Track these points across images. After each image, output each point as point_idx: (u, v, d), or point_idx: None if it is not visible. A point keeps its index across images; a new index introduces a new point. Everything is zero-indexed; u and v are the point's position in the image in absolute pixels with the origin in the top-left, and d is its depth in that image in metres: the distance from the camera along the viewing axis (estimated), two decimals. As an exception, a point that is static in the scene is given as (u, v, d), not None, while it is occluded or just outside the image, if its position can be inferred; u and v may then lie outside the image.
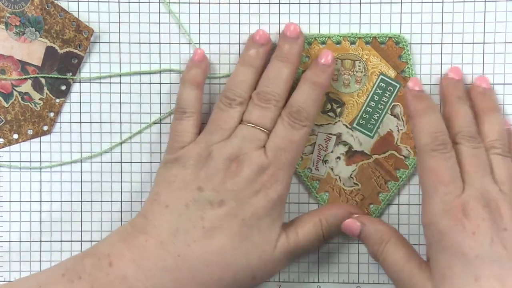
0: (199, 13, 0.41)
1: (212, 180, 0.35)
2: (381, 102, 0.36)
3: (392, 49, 0.37)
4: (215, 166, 0.35)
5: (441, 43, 0.40)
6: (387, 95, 0.35)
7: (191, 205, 0.34)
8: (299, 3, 0.40)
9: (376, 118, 0.36)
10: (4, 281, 0.42)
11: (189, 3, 0.41)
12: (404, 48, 0.36)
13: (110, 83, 0.41)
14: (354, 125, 0.37)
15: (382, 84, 0.36)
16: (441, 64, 0.40)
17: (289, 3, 0.40)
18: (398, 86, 0.36)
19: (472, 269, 0.31)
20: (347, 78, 0.37)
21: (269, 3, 0.41)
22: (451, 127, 0.35)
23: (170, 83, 0.41)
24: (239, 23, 0.41)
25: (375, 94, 0.36)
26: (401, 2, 0.40)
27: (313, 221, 0.37)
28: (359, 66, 0.37)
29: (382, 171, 0.39)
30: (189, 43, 0.41)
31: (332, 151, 0.38)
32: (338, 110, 0.38)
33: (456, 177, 0.33)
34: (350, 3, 0.40)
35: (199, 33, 0.41)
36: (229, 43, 0.41)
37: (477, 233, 0.31)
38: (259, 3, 0.41)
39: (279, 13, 0.41)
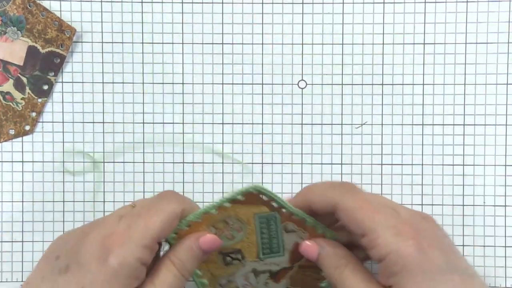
0: (182, 12, 0.41)
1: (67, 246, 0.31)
2: (271, 231, 0.35)
3: (253, 196, 0.34)
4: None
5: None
6: (272, 224, 0.34)
7: (46, 276, 0.30)
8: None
9: (276, 242, 0.35)
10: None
11: (172, 2, 0.41)
12: (263, 192, 0.33)
13: (92, 82, 0.41)
14: (261, 256, 0.35)
15: (263, 220, 0.34)
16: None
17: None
18: (277, 217, 0.34)
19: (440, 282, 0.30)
20: (227, 234, 0.35)
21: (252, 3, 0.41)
22: None
23: (153, 83, 0.41)
24: (222, 23, 0.41)
25: (261, 230, 0.35)
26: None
27: (165, 264, 0.33)
28: (232, 221, 0.35)
29: (310, 269, 0.37)
30: (172, 43, 0.41)
31: (258, 283, 0.37)
32: (239, 255, 0.36)
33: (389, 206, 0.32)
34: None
35: (182, 33, 0.41)
36: (212, 43, 0.41)
37: (430, 245, 0.30)
38: (242, 3, 0.41)
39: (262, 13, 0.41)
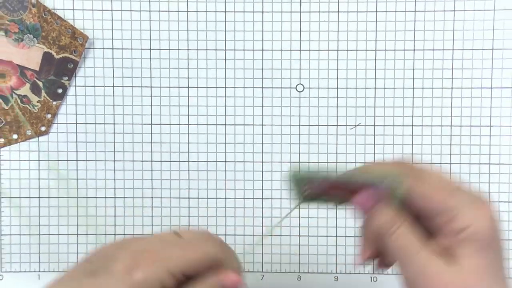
0: (187, 20, 0.44)
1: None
2: None
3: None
4: None
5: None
6: None
7: (74, 276, 0.31)
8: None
9: None
10: (6, 271, 0.44)
11: (178, 11, 0.44)
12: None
13: (103, 86, 0.44)
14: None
15: None
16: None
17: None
18: None
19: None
20: None
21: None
22: None
23: (160, 87, 0.44)
24: (225, 30, 0.44)
25: None
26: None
27: None
28: None
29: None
30: (178, 49, 0.44)
31: None
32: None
33: None
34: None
35: (187, 40, 0.44)
36: (215, 49, 0.44)
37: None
38: (243, 12, 0.43)
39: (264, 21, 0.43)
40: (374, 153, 0.44)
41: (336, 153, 0.44)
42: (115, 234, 0.45)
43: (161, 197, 0.45)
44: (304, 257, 0.45)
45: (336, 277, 0.45)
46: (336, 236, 0.45)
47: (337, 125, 0.44)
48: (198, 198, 0.45)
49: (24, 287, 0.45)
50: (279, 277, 0.45)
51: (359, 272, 0.45)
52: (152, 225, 0.45)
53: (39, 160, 0.44)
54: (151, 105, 0.44)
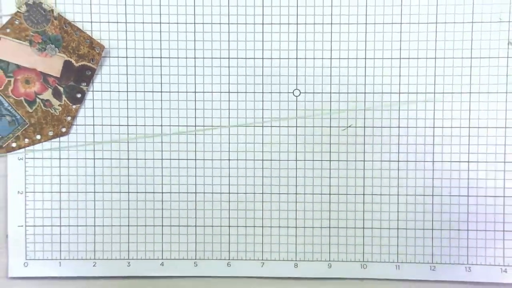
0: (194, 31, 0.48)
1: None
2: None
3: None
4: None
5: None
6: None
7: None
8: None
9: None
10: (31, 259, 0.49)
11: (186, 23, 0.48)
12: None
13: (118, 91, 0.48)
14: None
15: None
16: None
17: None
18: None
19: None
20: None
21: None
22: None
23: (170, 92, 0.48)
24: (229, 40, 0.48)
25: None
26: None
27: None
28: None
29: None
30: (186, 58, 0.48)
31: None
32: None
33: None
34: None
35: (194, 49, 0.48)
36: (220, 58, 0.48)
37: None
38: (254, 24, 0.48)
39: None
40: (364, 152, 0.49)
41: (330, 152, 0.49)
42: (128, 226, 0.49)
43: (170, 192, 0.49)
44: (300, 246, 0.50)
45: (329, 265, 0.49)
46: (330, 227, 0.49)
47: (330, 127, 0.49)
48: (204, 193, 0.49)
49: (47, 273, 0.49)
50: (278, 264, 0.50)
51: (351, 260, 0.49)
52: (162, 217, 0.49)
53: (60, 159, 0.49)
54: (161, 108, 0.49)
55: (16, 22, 0.47)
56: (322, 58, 0.48)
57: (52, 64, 0.48)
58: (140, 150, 0.49)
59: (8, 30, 0.47)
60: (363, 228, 0.49)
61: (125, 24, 0.48)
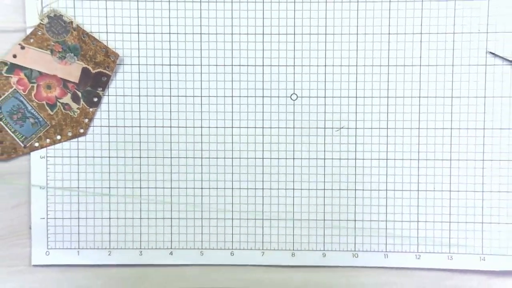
0: (200, 41, 0.53)
1: None
2: None
3: None
4: None
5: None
6: None
7: None
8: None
9: None
10: (52, 248, 0.54)
11: (193, 33, 0.53)
12: None
13: (131, 95, 0.53)
14: None
15: None
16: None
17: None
18: None
19: None
20: None
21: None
22: None
23: (178, 96, 0.53)
24: (232, 49, 0.53)
25: None
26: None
27: None
28: None
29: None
30: (193, 65, 0.53)
31: None
32: None
33: None
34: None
35: (201, 57, 0.53)
36: (224, 65, 0.53)
37: None
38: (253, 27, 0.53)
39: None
40: (355, 151, 0.53)
41: (324, 151, 0.53)
42: (140, 218, 0.54)
43: (178, 187, 0.54)
44: (297, 237, 0.54)
45: (324, 254, 0.54)
46: (324, 219, 0.54)
47: (324, 128, 0.53)
48: (209, 188, 0.54)
49: (66, 261, 0.54)
50: (276, 253, 0.54)
51: (343, 249, 0.54)
52: (171, 210, 0.54)
53: (78, 157, 0.54)
54: (170, 111, 0.53)
55: (39, 33, 0.52)
56: (317, 66, 0.53)
57: (71, 71, 0.52)
58: (151, 149, 0.54)
59: (31, 40, 0.52)
60: (355, 220, 0.54)
61: (138, 35, 0.53)
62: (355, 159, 0.53)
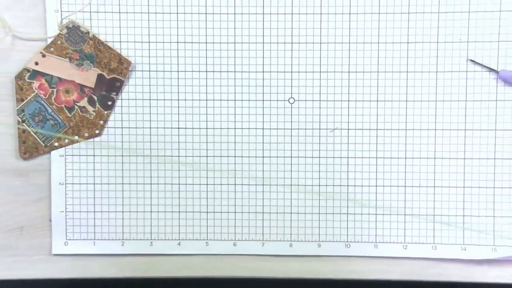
0: (206, 49, 0.58)
1: None
2: None
3: None
4: None
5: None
6: None
7: None
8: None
9: None
10: (70, 239, 0.59)
11: (199, 43, 0.57)
12: None
13: (142, 99, 0.58)
14: None
15: None
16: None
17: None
18: None
19: None
20: None
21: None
22: None
23: (185, 99, 0.58)
24: (234, 57, 0.58)
25: None
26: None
27: None
28: None
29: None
30: (199, 71, 0.58)
31: None
32: None
33: None
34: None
35: (206, 64, 0.58)
36: (227, 71, 0.58)
37: None
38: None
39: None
40: (347, 150, 0.58)
41: (319, 150, 0.58)
42: (151, 211, 0.59)
43: (186, 184, 0.59)
44: (294, 229, 0.59)
45: (319, 244, 0.59)
46: (319, 213, 0.59)
47: (319, 129, 0.58)
48: (214, 184, 0.59)
49: (83, 251, 0.59)
50: (276, 244, 0.59)
51: (338, 240, 0.59)
52: (179, 204, 0.59)
53: (94, 155, 0.58)
54: (178, 114, 0.58)
55: (58, 42, 0.56)
56: (313, 72, 0.57)
57: (88, 77, 0.57)
58: (160, 149, 0.58)
59: (52, 49, 0.56)
60: (347, 213, 0.59)
61: (148, 44, 0.58)
62: (348, 157, 0.58)
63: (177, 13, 0.57)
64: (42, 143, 0.57)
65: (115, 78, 0.57)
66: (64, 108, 0.57)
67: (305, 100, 0.58)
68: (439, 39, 0.57)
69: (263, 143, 0.58)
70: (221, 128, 0.58)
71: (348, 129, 0.58)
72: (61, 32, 0.56)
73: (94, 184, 0.58)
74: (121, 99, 0.58)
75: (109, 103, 0.57)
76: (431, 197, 0.58)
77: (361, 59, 0.57)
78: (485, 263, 0.58)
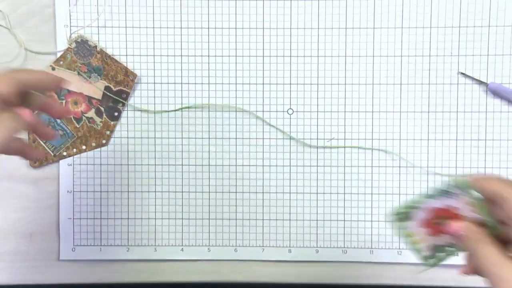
0: (208, 62, 0.60)
1: None
2: None
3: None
4: None
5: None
6: None
7: None
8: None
9: None
10: (77, 245, 0.61)
11: (201, 56, 0.60)
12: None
13: (147, 110, 0.61)
14: None
15: None
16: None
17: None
18: None
19: None
20: None
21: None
22: None
23: (188, 110, 0.60)
24: (236, 69, 0.60)
25: None
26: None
27: None
28: None
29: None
30: (202, 83, 0.60)
31: None
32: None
33: None
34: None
35: (209, 76, 0.60)
36: (229, 83, 0.60)
37: None
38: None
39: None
40: (344, 159, 0.60)
41: (317, 159, 0.61)
42: (155, 219, 0.61)
43: (188, 191, 0.61)
44: (293, 235, 0.61)
45: (317, 250, 0.61)
46: (317, 220, 0.61)
47: (317, 139, 0.61)
48: (216, 192, 0.61)
49: (90, 257, 0.61)
50: (275, 250, 0.61)
51: (333, 246, 0.61)
52: (182, 211, 0.61)
53: (100, 165, 0.61)
54: (181, 124, 0.61)
55: (68, 56, 0.59)
56: (311, 84, 0.60)
57: (95, 89, 0.60)
58: (164, 158, 0.61)
59: (61, 63, 0.59)
60: (344, 221, 0.61)
61: (153, 57, 0.60)
62: (344, 166, 0.60)
63: (180, 27, 0.60)
64: (51, 153, 0.60)
65: (122, 90, 0.60)
66: (73, 119, 0.60)
67: (303, 111, 0.60)
68: (431, 53, 0.59)
69: (263, 152, 0.60)
70: (222, 138, 0.60)
71: (345, 139, 0.60)
72: (70, 46, 0.59)
73: (100, 192, 0.61)
74: (127, 110, 0.60)
75: (116, 114, 0.60)
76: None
77: (357, 72, 0.60)
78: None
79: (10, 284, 0.61)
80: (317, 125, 0.60)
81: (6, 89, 0.39)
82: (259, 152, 0.61)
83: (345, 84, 0.60)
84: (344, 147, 0.60)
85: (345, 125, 0.60)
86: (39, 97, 0.42)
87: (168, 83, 0.60)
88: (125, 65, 0.60)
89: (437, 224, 0.39)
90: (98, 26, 0.60)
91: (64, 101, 0.60)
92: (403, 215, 0.40)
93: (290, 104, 0.60)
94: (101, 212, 0.61)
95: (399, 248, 0.60)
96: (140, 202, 0.61)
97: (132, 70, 0.60)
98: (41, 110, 0.43)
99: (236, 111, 0.60)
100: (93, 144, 0.60)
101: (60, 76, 0.58)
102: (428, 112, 0.60)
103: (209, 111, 0.60)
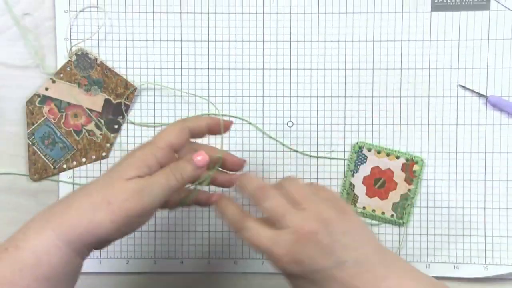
0: (208, 75, 0.60)
1: None
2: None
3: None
4: None
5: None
6: None
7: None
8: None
9: None
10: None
11: (201, 68, 0.60)
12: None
13: (147, 123, 0.61)
14: None
15: None
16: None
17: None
18: None
19: None
20: None
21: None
22: None
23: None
24: (236, 82, 0.60)
25: None
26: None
27: (164, 170, 0.43)
28: None
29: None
30: (201, 96, 0.61)
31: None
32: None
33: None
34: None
35: (208, 89, 0.60)
36: (228, 96, 0.61)
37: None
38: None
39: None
40: (344, 171, 0.60)
41: (317, 171, 0.61)
42: (154, 231, 0.61)
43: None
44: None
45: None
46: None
47: (317, 151, 0.61)
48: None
49: (89, 269, 0.61)
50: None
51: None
52: (182, 224, 0.61)
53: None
54: (181, 136, 0.61)
55: (68, 69, 0.59)
56: (310, 97, 0.60)
57: (95, 101, 0.60)
58: (164, 170, 0.61)
59: (61, 75, 0.59)
60: (344, 233, 0.61)
61: (153, 70, 0.60)
62: (344, 178, 0.60)
63: (180, 40, 0.60)
64: (51, 165, 0.60)
65: (121, 103, 0.60)
66: (73, 132, 0.60)
67: (303, 124, 0.60)
68: (431, 66, 0.59)
69: (262, 164, 0.60)
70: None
71: (345, 151, 0.60)
72: (70, 59, 0.59)
73: (100, 204, 0.61)
74: (127, 123, 0.60)
75: (116, 126, 0.60)
76: (424, 217, 0.60)
77: (357, 85, 0.60)
78: (477, 281, 0.60)
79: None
80: (317, 138, 0.60)
81: (178, 140, 0.43)
82: (259, 164, 0.61)
83: (344, 96, 0.60)
84: (344, 159, 0.60)
85: (345, 138, 0.60)
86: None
87: (168, 95, 0.60)
88: (125, 78, 0.60)
89: None
90: (98, 39, 0.60)
91: (64, 114, 0.60)
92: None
93: (290, 117, 0.60)
94: (100, 224, 0.61)
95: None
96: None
97: (132, 83, 0.60)
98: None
99: (236, 123, 0.60)
100: (93, 157, 0.60)
101: (60, 88, 0.58)
102: (428, 124, 0.60)
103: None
